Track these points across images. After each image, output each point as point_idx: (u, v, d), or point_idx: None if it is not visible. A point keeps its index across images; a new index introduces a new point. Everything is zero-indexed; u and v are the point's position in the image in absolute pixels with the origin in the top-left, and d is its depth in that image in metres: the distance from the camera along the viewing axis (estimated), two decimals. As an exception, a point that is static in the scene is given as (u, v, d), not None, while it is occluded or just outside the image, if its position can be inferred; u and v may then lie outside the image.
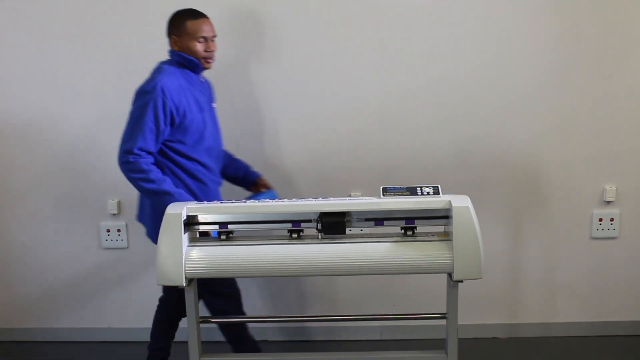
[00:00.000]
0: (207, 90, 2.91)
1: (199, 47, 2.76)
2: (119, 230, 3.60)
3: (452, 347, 2.43)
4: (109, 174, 3.54)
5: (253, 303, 3.49)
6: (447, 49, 3.37)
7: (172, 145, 2.74)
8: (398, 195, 2.41)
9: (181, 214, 2.34)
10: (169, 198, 2.56)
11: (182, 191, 2.66)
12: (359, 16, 3.33)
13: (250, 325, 3.46)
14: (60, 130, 3.52)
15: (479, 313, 3.63)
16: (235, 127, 3.36)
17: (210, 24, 2.80)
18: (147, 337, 3.67)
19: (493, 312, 3.66)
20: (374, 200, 2.41)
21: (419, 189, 2.43)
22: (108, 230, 3.61)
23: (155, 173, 2.63)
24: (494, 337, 3.67)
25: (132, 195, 3.54)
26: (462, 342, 2.47)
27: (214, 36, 2.82)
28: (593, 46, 3.35)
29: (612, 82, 3.39)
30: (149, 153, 2.65)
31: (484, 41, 3.37)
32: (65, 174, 3.56)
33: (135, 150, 2.62)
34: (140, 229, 3.56)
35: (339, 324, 3.61)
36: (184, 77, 2.78)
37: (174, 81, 2.70)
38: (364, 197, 2.55)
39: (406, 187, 2.44)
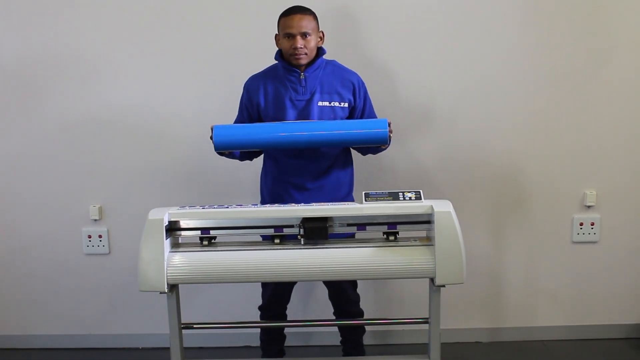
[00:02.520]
0: (307, 85, 2.85)
1: (286, 43, 2.78)
2: (100, 236, 3.58)
3: (435, 351, 2.44)
4: (90, 179, 3.52)
5: (238, 308, 3.48)
6: (431, 56, 3.39)
7: None
8: (380, 200, 2.42)
9: (163, 219, 2.33)
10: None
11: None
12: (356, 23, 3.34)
13: (233, 330, 3.46)
14: (40, 134, 3.50)
15: (461, 317, 3.64)
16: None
17: (300, 21, 2.75)
18: (127, 344, 3.67)
19: (475, 317, 3.67)
20: (356, 205, 2.42)
21: (401, 194, 2.44)
22: (89, 236, 3.58)
23: None
24: (476, 342, 3.68)
25: (113, 200, 3.54)
26: (444, 346, 2.47)
27: (303, 33, 2.75)
28: (574, 52, 3.37)
29: (592, 88, 3.41)
30: None
31: (466, 49, 3.38)
32: (45, 179, 3.54)
33: None
34: (123, 235, 3.56)
35: (319, 329, 3.60)
36: (273, 73, 2.87)
37: (254, 78, 2.91)
38: (346, 203, 2.56)
39: (388, 193, 2.45)
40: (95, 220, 3.57)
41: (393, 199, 2.42)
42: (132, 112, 3.46)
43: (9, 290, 3.67)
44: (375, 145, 2.74)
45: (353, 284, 3.08)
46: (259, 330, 3.04)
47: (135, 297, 3.53)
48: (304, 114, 2.81)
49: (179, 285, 2.45)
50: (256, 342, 3.13)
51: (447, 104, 3.43)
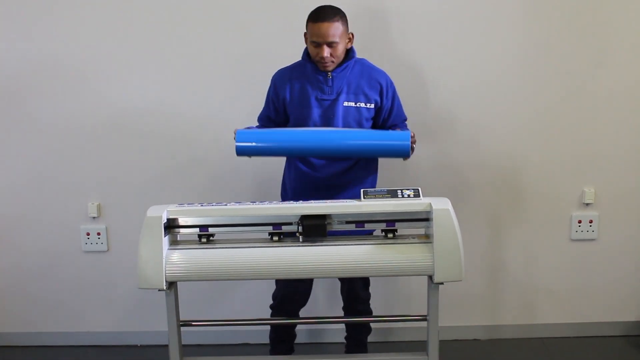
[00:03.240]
0: (333, 86, 2.83)
1: (313, 50, 2.74)
2: (98, 234, 3.58)
3: (433, 349, 2.44)
4: (89, 176, 3.52)
5: (236, 305, 3.48)
6: (429, 52, 3.39)
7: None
8: (379, 197, 2.42)
9: (161, 217, 2.33)
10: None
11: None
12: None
13: (232, 328, 3.46)
14: (39, 132, 3.49)
15: (459, 315, 3.64)
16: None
17: (328, 29, 2.67)
18: (126, 341, 3.67)
19: (473, 314, 3.67)
20: (355, 202, 2.42)
21: (400, 191, 2.44)
22: (88, 234, 3.58)
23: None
24: (474, 339, 3.68)
25: (112, 197, 3.54)
26: (443, 343, 2.48)
27: (330, 42, 2.69)
28: (572, 49, 3.37)
29: (591, 85, 3.41)
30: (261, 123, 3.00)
31: (465, 45, 3.38)
32: (44, 176, 3.54)
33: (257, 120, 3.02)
34: (121, 232, 3.56)
35: (318, 326, 3.61)
36: (301, 69, 2.86)
37: (282, 72, 2.91)
38: (345, 200, 2.56)
39: (387, 190, 2.45)
40: (94, 217, 3.56)
41: (392, 197, 2.42)
42: (130, 110, 3.46)
43: (8, 287, 3.67)
44: (396, 157, 2.76)
45: (365, 283, 3.09)
46: (257, 327, 3.04)
47: (134, 294, 3.54)
48: (328, 113, 2.81)
49: (178, 282, 2.45)
50: (255, 340, 3.14)
51: (445, 103, 3.43)
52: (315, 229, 2.40)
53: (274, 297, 3.07)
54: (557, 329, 3.66)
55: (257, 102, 3.03)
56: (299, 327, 3.46)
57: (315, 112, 2.81)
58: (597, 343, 3.60)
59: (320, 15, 2.69)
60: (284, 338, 3.12)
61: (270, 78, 2.94)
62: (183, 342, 2.52)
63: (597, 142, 3.47)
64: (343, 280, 3.09)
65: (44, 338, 3.70)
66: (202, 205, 2.46)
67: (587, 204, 3.52)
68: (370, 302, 3.14)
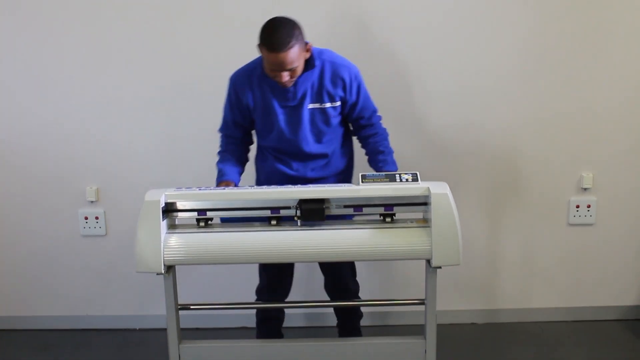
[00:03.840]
0: (296, 91, 2.73)
1: (269, 72, 2.62)
2: (97, 218, 3.58)
3: (431, 332, 2.45)
4: (87, 160, 3.52)
5: (234, 289, 3.49)
6: (428, 39, 3.38)
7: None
8: (377, 182, 2.42)
9: (159, 200, 2.33)
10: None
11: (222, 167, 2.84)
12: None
13: (230, 311, 3.47)
14: (35, 116, 3.49)
15: (457, 299, 3.66)
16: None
17: (283, 59, 2.53)
18: (124, 325, 3.68)
19: (471, 298, 3.68)
20: (353, 187, 2.42)
21: (398, 176, 2.43)
22: (86, 218, 3.58)
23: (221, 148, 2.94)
24: (472, 323, 3.70)
25: (110, 182, 3.54)
26: (440, 327, 2.48)
27: (288, 68, 2.57)
28: (570, 35, 3.37)
29: (589, 70, 3.41)
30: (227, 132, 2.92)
31: (462, 30, 3.37)
32: (42, 160, 3.53)
33: (218, 130, 2.94)
34: (119, 216, 3.56)
35: (317, 310, 3.62)
36: (260, 72, 2.73)
37: (241, 76, 2.80)
38: (343, 184, 2.56)
39: (385, 174, 2.45)
40: (92, 201, 3.56)
41: (390, 181, 2.42)
42: (129, 93, 3.45)
43: (6, 271, 3.67)
44: None
45: (352, 271, 3.07)
46: (255, 311, 3.04)
47: (132, 278, 3.54)
48: (294, 118, 2.76)
49: (176, 266, 2.45)
50: (253, 323, 3.14)
51: (443, 89, 3.42)
52: (313, 213, 2.39)
53: (257, 291, 3.07)
54: (554, 313, 3.67)
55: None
56: (294, 311, 3.48)
57: (281, 119, 2.76)
58: (593, 327, 3.62)
59: (274, 45, 2.52)
60: (268, 318, 3.09)
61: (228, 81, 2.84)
62: (181, 326, 2.53)
63: (595, 127, 3.47)
64: (327, 273, 3.05)
65: (43, 322, 3.71)
66: (200, 189, 2.45)
67: (585, 189, 3.53)
68: (368, 285, 3.14)
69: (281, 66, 2.56)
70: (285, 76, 2.60)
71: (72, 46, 3.41)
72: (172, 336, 2.48)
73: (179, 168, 3.51)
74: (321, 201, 2.40)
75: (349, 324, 3.13)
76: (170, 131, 3.48)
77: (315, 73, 2.72)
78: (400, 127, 3.43)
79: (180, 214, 2.48)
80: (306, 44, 2.65)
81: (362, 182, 2.42)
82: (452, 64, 3.40)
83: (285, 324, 3.09)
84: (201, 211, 2.46)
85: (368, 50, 3.37)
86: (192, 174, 3.48)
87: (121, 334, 3.68)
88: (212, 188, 2.50)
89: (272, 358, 2.68)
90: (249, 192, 2.43)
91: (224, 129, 2.92)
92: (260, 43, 2.56)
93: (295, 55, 2.56)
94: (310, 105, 2.75)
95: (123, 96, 3.45)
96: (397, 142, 3.40)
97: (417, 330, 2.62)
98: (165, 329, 2.51)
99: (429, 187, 2.35)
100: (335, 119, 2.83)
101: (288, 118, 2.76)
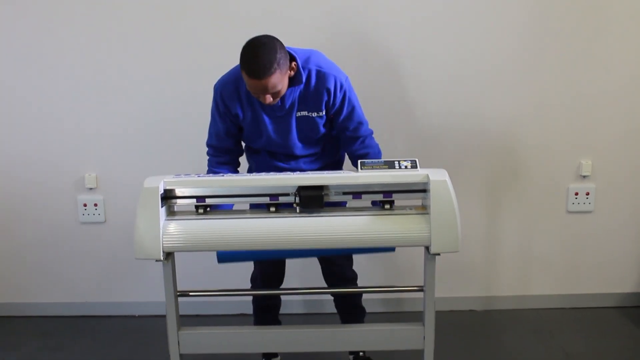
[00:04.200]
0: (284, 104, 2.67)
1: (252, 92, 2.55)
2: (95, 205, 3.58)
3: (429, 319, 2.45)
4: (86, 147, 3.52)
5: (233, 275, 3.49)
6: (425, 27, 3.37)
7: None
8: (376, 168, 2.41)
9: (158, 187, 2.32)
10: None
11: None
12: None
13: (229, 298, 3.47)
14: (33, 103, 3.48)
15: (455, 286, 3.67)
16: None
17: (265, 86, 2.45)
18: (123, 311, 3.69)
19: (470, 285, 3.69)
20: (352, 174, 2.41)
21: (397, 162, 2.43)
22: (85, 205, 3.58)
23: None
24: (470, 310, 3.70)
25: (109, 169, 3.54)
26: (439, 314, 2.49)
27: (270, 93, 2.50)
28: (569, 21, 3.36)
29: (588, 58, 3.40)
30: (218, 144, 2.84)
31: (459, 18, 3.36)
32: (41, 147, 3.53)
33: (206, 145, 2.90)
34: (118, 203, 3.56)
35: (314, 297, 3.63)
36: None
37: (227, 85, 2.70)
38: (342, 171, 2.55)
39: (384, 161, 2.44)
40: (91, 188, 3.56)
41: (389, 168, 2.41)
42: (128, 80, 3.44)
43: (5, 258, 3.68)
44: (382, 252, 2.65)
45: (348, 259, 3.04)
46: (252, 298, 3.05)
47: (131, 265, 3.55)
48: (282, 127, 2.72)
49: (175, 253, 2.45)
50: (251, 310, 3.15)
51: (442, 76, 3.42)
52: (312, 200, 2.39)
53: (252, 279, 3.07)
54: (552, 300, 3.68)
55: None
56: (292, 298, 3.49)
57: (270, 128, 2.72)
58: (591, 314, 3.63)
59: (253, 72, 2.43)
60: (264, 305, 3.09)
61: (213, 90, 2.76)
62: (180, 313, 2.53)
63: (594, 115, 3.46)
64: (322, 259, 3.02)
65: (42, 308, 3.72)
66: (198, 176, 2.45)
67: (584, 176, 3.53)
68: (369, 273, 3.12)
69: (263, 91, 2.49)
70: (268, 98, 2.52)
71: (71, 34, 3.40)
72: (171, 323, 2.49)
73: (178, 155, 3.50)
74: (320, 188, 2.39)
75: (349, 306, 3.11)
76: (170, 118, 3.47)
77: (302, 83, 2.64)
78: (399, 115, 3.44)
79: (179, 201, 2.48)
80: (291, 61, 2.56)
81: (361, 169, 2.42)
82: (450, 52, 3.40)
83: (282, 311, 3.10)
84: (200, 198, 2.46)
85: (363, 38, 3.36)
86: (191, 161, 3.47)
87: (120, 320, 3.69)
88: (210, 175, 2.50)
89: (272, 345, 2.69)
90: (248, 179, 2.43)
91: (215, 141, 2.82)
92: (241, 66, 2.47)
93: (277, 80, 2.47)
94: (298, 114, 2.70)
95: (122, 82, 3.45)
96: (396, 129, 3.41)
97: (416, 317, 2.62)
98: (164, 316, 2.51)
99: (428, 174, 2.34)
100: (324, 127, 2.77)
101: (277, 127, 2.72)
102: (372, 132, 2.82)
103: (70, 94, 3.46)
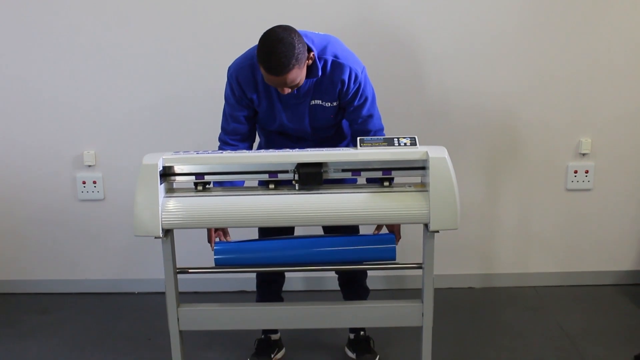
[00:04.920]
0: (299, 92, 2.63)
1: (271, 84, 2.52)
2: (94, 182, 3.58)
3: (428, 296, 2.46)
4: (85, 124, 3.51)
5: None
6: (424, 2, 3.35)
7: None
8: (375, 146, 2.40)
9: (157, 164, 2.32)
10: None
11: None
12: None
13: (228, 275, 3.48)
14: (31, 80, 3.47)
15: (454, 263, 3.68)
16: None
17: (283, 81, 2.43)
18: (123, 288, 3.70)
19: (468, 263, 3.70)
20: (351, 151, 2.41)
21: (396, 140, 2.42)
22: (84, 182, 3.58)
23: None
24: (469, 287, 3.72)
25: (108, 146, 3.53)
26: (437, 291, 2.49)
27: (288, 86, 2.48)
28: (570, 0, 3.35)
29: (588, 36, 3.39)
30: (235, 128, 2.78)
31: (463, -8, 3.35)
32: (39, 125, 3.52)
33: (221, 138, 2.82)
34: (117, 180, 3.56)
35: (317, 274, 3.64)
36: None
37: (243, 70, 2.63)
38: (341, 148, 2.55)
39: (383, 138, 2.43)
40: (90, 166, 3.56)
41: (388, 145, 2.40)
42: (128, 56, 3.43)
43: (5, 236, 3.68)
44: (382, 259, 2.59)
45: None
46: (253, 275, 3.05)
47: (131, 242, 3.56)
48: (296, 115, 2.70)
49: (174, 230, 2.45)
50: (251, 287, 3.15)
51: (441, 53, 3.40)
52: (311, 177, 2.38)
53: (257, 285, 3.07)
54: (551, 277, 3.69)
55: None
56: (294, 275, 3.49)
57: (284, 116, 2.70)
58: (590, 292, 3.64)
59: (271, 69, 2.39)
60: (269, 280, 3.09)
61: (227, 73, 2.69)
62: (180, 290, 2.53)
63: (594, 92, 3.46)
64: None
65: (41, 286, 3.73)
66: (197, 153, 2.44)
67: (584, 154, 3.52)
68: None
69: (281, 85, 2.47)
70: (286, 90, 2.50)
71: (68, 10, 3.38)
72: (171, 300, 2.49)
73: (178, 132, 3.50)
74: (319, 165, 2.39)
75: (354, 298, 3.09)
76: (169, 94, 3.46)
77: (318, 75, 2.61)
78: (398, 91, 3.43)
79: (178, 178, 2.47)
80: (309, 52, 2.52)
81: (361, 146, 2.41)
82: (450, 27, 3.38)
83: (285, 288, 3.10)
84: (199, 175, 2.45)
85: (360, 16, 3.34)
86: (190, 138, 3.47)
87: (120, 297, 3.70)
88: (209, 151, 2.49)
89: (272, 321, 2.70)
90: (247, 155, 2.42)
91: (229, 125, 2.75)
92: (258, 60, 2.43)
93: (295, 75, 2.44)
94: (312, 102, 2.68)
95: (120, 58, 3.43)
96: (395, 106, 3.40)
97: (414, 294, 2.63)
98: (163, 293, 2.51)
99: (427, 151, 2.33)
100: (336, 116, 2.76)
101: (291, 114, 2.70)
102: (382, 128, 2.77)
103: (68, 70, 3.45)
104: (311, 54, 2.52)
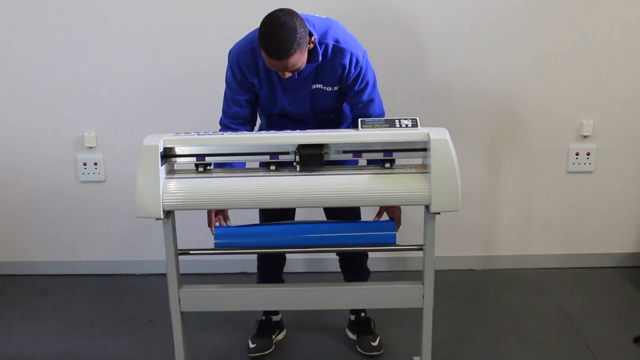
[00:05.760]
0: (300, 77, 2.61)
1: (272, 67, 2.49)
2: (95, 164, 3.58)
3: (429, 278, 2.46)
4: (85, 106, 3.50)
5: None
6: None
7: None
8: (376, 127, 2.40)
9: (158, 145, 2.31)
10: None
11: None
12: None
13: (229, 257, 3.48)
14: (31, 62, 3.45)
15: (455, 245, 3.68)
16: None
17: (285, 65, 2.41)
18: (124, 270, 3.71)
19: (469, 245, 3.71)
20: (353, 132, 2.40)
21: (398, 121, 2.41)
22: (84, 164, 3.58)
23: None
24: (469, 269, 3.72)
25: (108, 127, 3.52)
26: (438, 273, 2.49)
27: (289, 71, 2.45)
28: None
29: (591, 18, 3.37)
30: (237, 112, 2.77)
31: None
32: (39, 107, 3.51)
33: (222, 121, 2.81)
34: (118, 162, 3.56)
35: (318, 255, 3.64)
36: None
37: (245, 54, 2.62)
38: (342, 130, 2.54)
39: (385, 120, 2.43)
40: (91, 147, 3.56)
41: (389, 126, 2.40)
42: (129, 36, 3.41)
43: (5, 217, 3.68)
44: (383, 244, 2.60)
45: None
46: (254, 256, 3.05)
47: (132, 223, 3.56)
48: (298, 99, 2.69)
49: (175, 211, 2.45)
50: (251, 269, 3.16)
51: (445, 33, 3.39)
52: (312, 159, 2.38)
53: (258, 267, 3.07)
54: (551, 259, 3.70)
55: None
56: (295, 257, 3.50)
57: (285, 100, 2.69)
58: (591, 274, 3.65)
59: (273, 53, 2.37)
60: (270, 262, 3.09)
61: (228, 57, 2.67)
62: (181, 272, 2.54)
63: (596, 75, 3.44)
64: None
65: (42, 267, 3.74)
66: (198, 134, 2.44)
67: (585, 137, 3.52)
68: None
69: (282, 69, 2.45)
70: (287, 74, 2.49)
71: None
72: (172, 281, 2.49)
73: (179, 114, 3.49)
74: (320, 146, 2.39)
75: (355, 280, 3.09)
76: (171, 75, 3.45)
77: (319, 60, 2.59)
78: (399, 73, 3.41)
79: (179, 159, 2.47)
80: (310, 36, 2.49)
81: (362, 127, 2.40)
82: (451, 10, 3.37)
83: (285, 270, 3.11)
84: (200, 156, 2.45)
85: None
86: (191, 119, 3.46)
87: (121, 279, 3.71)
88: (210, 133, 2.48)
89: (273, 303, 2.70)
90: (248, 137, 2.41)
91: (230, 109, 2.74)
92: (260, 44, 2.41)
93: (297, 60, 2.41)
94: (313, 86, 2.67)
95: (122, 39, 3.42)
96: (397, 89, 3.39)
97: (415, 276, 2.63)
98: (164, 274, 2.52)
99: (428, 133, 2.33)
100: (337, 100, 2.75)
101: (292, 99, 2.70)
102: (383, 114, 2.76)
103: (69, 50, 3.43)
104: (312, 38, 2.50)
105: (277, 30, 2.36)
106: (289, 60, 2.40)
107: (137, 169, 2.32)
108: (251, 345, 2.97)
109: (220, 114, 2.76)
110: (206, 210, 2.68)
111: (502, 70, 3.43)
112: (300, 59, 2.44)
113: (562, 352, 2.91)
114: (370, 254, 3.07)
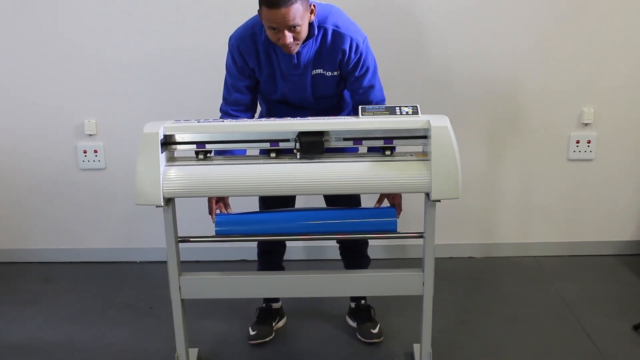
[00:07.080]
0: (299, 62, 2.59)
1: (272, 35, 2.46)
2: (95, 151, 3.57)
3: (429, 265, 2.46)
4: (85, 93, 3.49)
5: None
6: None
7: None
8: (377, 114, 2.39)
9: (158, 133, 2.31)
10: None
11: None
12: None
13: (230, 244, 3.48)
14: (31, 49, 3.44)
15: (455, 233, 3.68)
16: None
17: (285, 15, 2.34)
18: (125, 257, 3.72)
19: (469, 232, 3.71)
20: (353, 119, 2.40)
21: (398, 108, 2.41)
22: (85, 151, 3.58)
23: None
24: (469, 257, 3.73)
25: (108, 115, 3.52)
26: (438, 261, 2.50)
27: (290, 26, 2.39)
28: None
29: (592, 4, 3.35)
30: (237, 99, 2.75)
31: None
32: (39, 93, 3.50)
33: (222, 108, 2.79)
34: (118, 149, 3.55)
35: (318, 243, 3.64)
36: (262, 35, 2.56)
37: (245, 40, 2.60)
38: (343, 117, 2.53)
39: (385, 107, 2.42)
40: (91, 135, 3.55)
41: (390, 114, 2.39)
42: (129, 23, 3.40)
43: (6, 204, 3.68)
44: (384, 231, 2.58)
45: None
46: (254, 244, 3.06)
47: (132, 211, 3.56)
48: (298, 85, 2.67)
49: (175, 199, 2.45)
50: (252, 256, 3.16)
51: (445, 20, 3.38)
52: (312, 146, 2.38)
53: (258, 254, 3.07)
54: (551, 247, 3.70)
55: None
56: (295, 244, 3.50)
57: (285, 86, 2.67)
58: (590, 262, 3.65)
59: (274, 0, 2.35)
60: (270, 250, 3.09)
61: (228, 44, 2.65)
62: (182, 259, 2.54)
63: (597, 62, 3.43)
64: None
65: (43, 254, 3.74)
66: (198, 122, 2.44)
67: (586, 124, 3.51)
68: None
69: (282, 23, 2.38)
70: (289, 37, 2.42)
71: None
72: (172, 268, 2.50)
73: (179, 101, 3.48)
74: (321, 134, 2.38)
75: (355, 267, 3.10)
76: (171, 63, 3.44)
77: (317, 41, 2.58)
78: (399, 59, 3.41)
79: (179, 147, 2.47)
80: (311, 5, 2.48)
81: (362, 114, 2.40)
82: (454, -4, 3.36)
83: (286, 257, 3.11)
84: (200, 144, 2.44)
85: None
86: (191, 107, 3.46)
87: (121, 266, 3.71)
88: (210, 120, 2.48)
89: (273, 290, 2.71)
90: (248, 124, 2.41)
91: (231, 95, 2.72)
92: (260, 4, 2.39)
93: (297, 12, 2.37)
94: (314, 72, 2.65)
95: (123, 26, 3.41)
96: (397, 75, 3.38)
97: (415, 263, 2.63)
98: (165, 262, 2.52)
99: (429, 120, 2.33)
100: (338, 86, 2.73)
101: (292, 85, 2.68)
102: (384, 100, 2.74)
103: (69, 37, 3.42)
104: (312, 6, 2.47)
105: None
106: (290, 9, 2.35)
107: (138, 157, 2.32)
108: (251, 333, 2.98)
109: (220, 101, 2.75)
110: (207, 198, 2.67)
111: (503, 58, 3.42)
112: (301, 16, 2.39)
113: (562, 340, 2.92)
114: (370, 242, 3.06)
